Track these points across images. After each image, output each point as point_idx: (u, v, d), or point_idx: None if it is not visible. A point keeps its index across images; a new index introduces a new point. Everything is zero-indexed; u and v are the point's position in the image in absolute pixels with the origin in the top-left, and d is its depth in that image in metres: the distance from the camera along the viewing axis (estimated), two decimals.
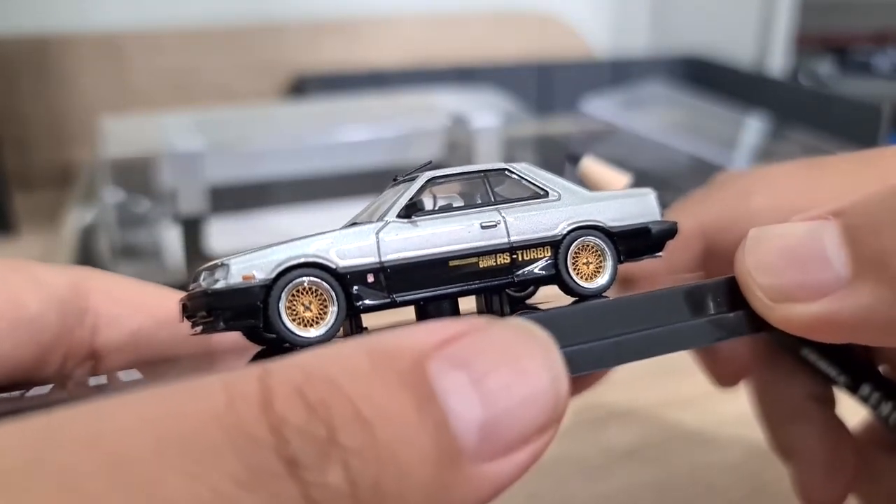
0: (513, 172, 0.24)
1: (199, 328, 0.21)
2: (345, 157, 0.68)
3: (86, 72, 0.85)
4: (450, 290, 0.22)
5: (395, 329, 0.16)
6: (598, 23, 1.14)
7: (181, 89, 0.88)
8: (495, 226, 0.22)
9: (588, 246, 0.23)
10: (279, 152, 0.67)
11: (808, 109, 0.86)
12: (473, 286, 0.22)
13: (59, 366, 0.24)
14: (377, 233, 0.22)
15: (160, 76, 0.88)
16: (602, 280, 0.23)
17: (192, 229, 0.62)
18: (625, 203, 0.24)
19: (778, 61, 1.04)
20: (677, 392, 0.45)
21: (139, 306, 0.26)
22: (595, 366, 0.19)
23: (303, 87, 0.90)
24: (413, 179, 0.23)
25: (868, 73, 1.12)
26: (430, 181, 0.23)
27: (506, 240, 0.22)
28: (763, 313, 0.21)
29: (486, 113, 0.70)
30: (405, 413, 0.14)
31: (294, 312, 0.20)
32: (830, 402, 0.32)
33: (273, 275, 0.20)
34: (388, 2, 0.99)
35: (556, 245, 0.23)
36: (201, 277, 0.21)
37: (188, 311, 0.21)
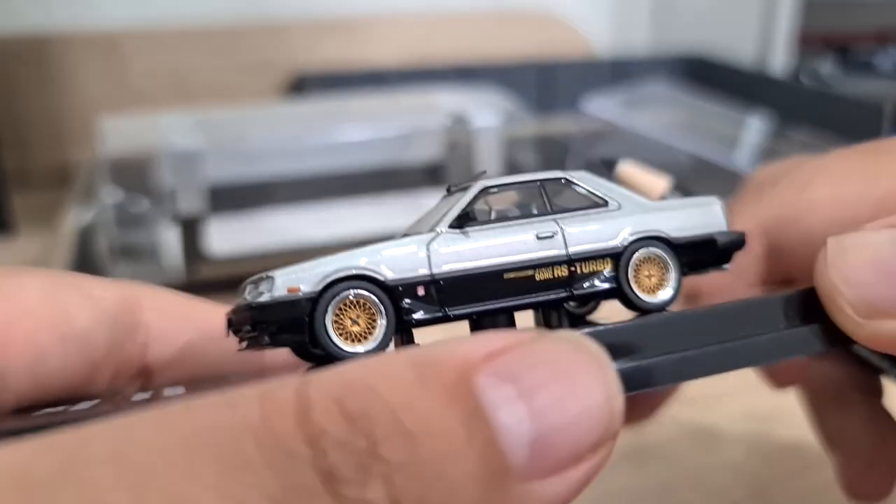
0: (571, 181, 0.23)
1: (244, 343, 0.21)
2: (345, 157, 0.68)
3: (84, 71, 0.85)
4: (505, 304, 0.21)
5: (440, 341, 0.15)
6: (598, 21, 1.13)
7: (180, 88, 0.88)
8: (552, 236, 0.22)
9: (651, 258, 0.22)
10: (279, 152, 0.67)
11: (809, 109, 0.85)
12: (530, 300, 0.21)
13: (109, 382, 0.24)
14: (428, 244, 0.21)
15: (159, 75, 0.88)
16: (665, 294, 0.22)
17: (191, 229, 0.62)
18: (689, 213, 0.23)
19: (780, 60, 1.03)
20: (680, 391, 0.45)
21: (189, 321, 0.25)
22: (653, 383, 0.19)
23: (302, 86, 0.90)
24: (466, 189, 0.23)
25: (870, 72, 1.12)
26: (484, 190, 0.22)
27: (563, 251, 0.22)
28: (850, 329, 0.20)
29: (486, 112, 0.70)
30: (451, 427, 0.14)
31: (341, 327, 0.20)
32: (878, 393, 0.31)
33: (319, 287, 0.20)
34: (389, 0, 0.99)
35: (616, 257, 0.22)
36: (246, 290, 0.20)
37: (234, 325, 0.21)
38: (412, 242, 0.21)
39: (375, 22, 0.97)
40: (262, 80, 0.91)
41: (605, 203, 0.23)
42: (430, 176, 0.71)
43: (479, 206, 0.22)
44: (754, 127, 0.79)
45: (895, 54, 1.14)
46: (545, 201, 0.23)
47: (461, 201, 0.22)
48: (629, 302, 0.22)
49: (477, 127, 0.69)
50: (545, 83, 0.98)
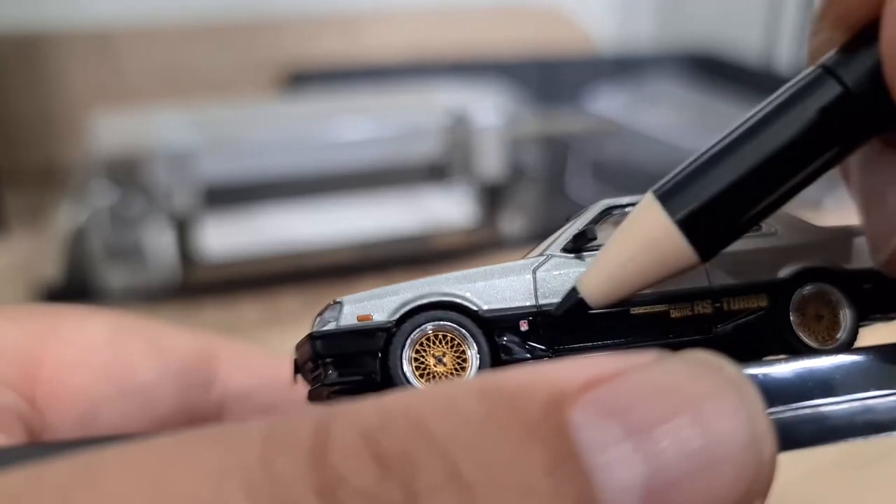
0: None
1: (310, 386, 0.17)
2: (343, 154, 0.67)
3: (77, 68, 0.84)
4: (629, 346, 0.17)
5: (524, 366, 0.12)
6: (602, 16, 1.12)
7: (174, 85, 0.87)
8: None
9: (820, 295, 0.18)
10: (275, 149, 0.66)
11: None
12: (660, 341, 0.17)
13: None
14: (535, 269, 0.17)
15: (152, 72, 0.87)
16: (838, 340, 0.18)
17: (186, 229, 0.61)
18: (862, 240, 0.19)
19: (786, 56, 1.02)
20: None
21: (269, 377, 0.23)
22: (817, 439, 0.15)
23: (299, 82, 0.89)
24: (584, 211, 0.19)
25: None
26: (608, 210, 0.19)
27: (706, 282, 0.18)
28: None
29: (487, 110, 0.69)
30: (530, 477, 0.10)
31: (423, 366, 0.16)
32: None
33: (396, 316, 0.16)
34: None
35: (775, 292, 0.18)
36: (315, 323, 0.17)
37: (299, 367, 0.18)
38: (515, 267, 0.18)
39: (374, 16, 0.96)
40: (257, 76, 0.90)
41: (759, 227, 0.19)
42: (430, 174, 0.69)
43: (602, 231, 0.19)
44: None
45: None
46: None
47: (579, 220, 0.19)
48: (792, 350, 0.18)
49: (478, 125, 0.68)
50: (547, 80, 0.97)
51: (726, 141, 0.16)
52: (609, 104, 0.85)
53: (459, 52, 0.97)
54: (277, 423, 0.11)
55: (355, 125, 0.68)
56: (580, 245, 0.18)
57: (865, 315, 0.18)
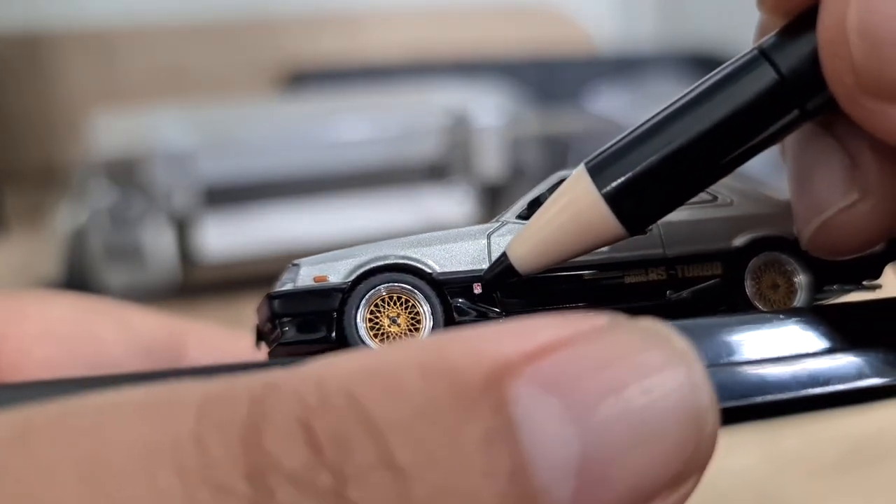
0: None
1: (270, 348, 0.17)
2: (343, 154, 0.67)
3: (77, 68, 0.84)
4: (583, 310, 0.17)
5: (471, 329, 0.11)
6: (602, 16, 1.12)
7: (174, 85, 0.87)
8: (647, 232, 0.17)
9: (775, 263, 0.18)
10: (275, 149, 0.66)
11: None
12: (615, 307, 0.17)
13: None
14: (489, 234, 0.18)
15: (152, 72, 0.87)
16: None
17: (185, 229, 0.61)
18: None
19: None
20: None
21: (235, 357, 0.22)
22: (757, 392, 0.14)
23: (299, 82, 0.88)
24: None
25: None
26: (563, 181, 0.18)
27: (660, 250, 0.18)
28: (844, 101, 0.15)
29: (487, 110, 0.69)
30: (464, 454, 0.10)
31: (377, 327, 0.17)
32: None
33: (351, 277, 0.17)
34: None
35: (729, 260, 0.18)
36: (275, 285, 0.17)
37: (260, 333, 0.18)
38: (470, 232, 0.18)
39: (374, 16, 0.96)
40: (257, 75, 0.90)
41: (714, 198, 0.19)
42: (430, 174, 0.69)
43: None
44: None
45: None
46: None
47: (533, 190, 0.19)
48: None
49: (478, 124, 0.68)
50: (547, 80, 0.97)
51: (658, 118, 0.16)
52: (609, 104, 0.84)
53: (459, 52, 0.97)
54: (213, 392, 0.11)
55: (355, 125, 0.68)
56: (534, 212, 0.18)
57: (821, 285, 0.18)
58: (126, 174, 0.61)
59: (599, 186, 0.16)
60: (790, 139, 0.17)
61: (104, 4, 0.88)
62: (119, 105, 0.83)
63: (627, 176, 0.16)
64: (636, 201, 0.16)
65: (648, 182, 0.16)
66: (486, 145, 0.68)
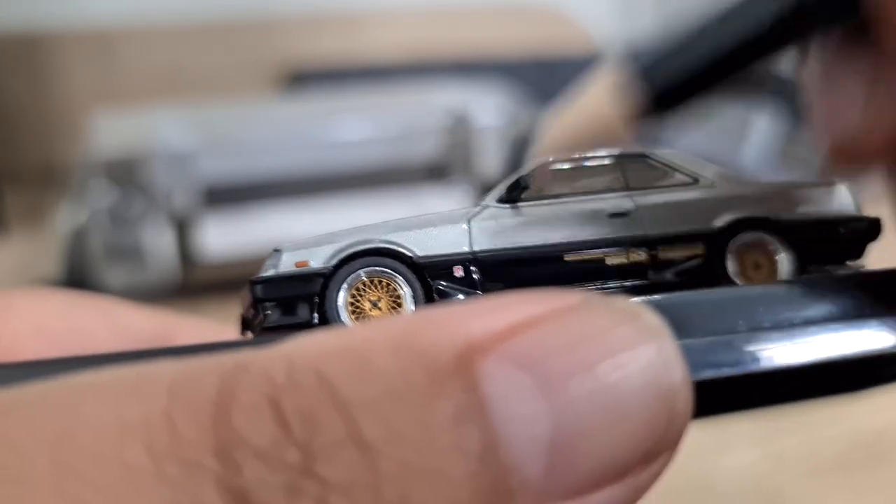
0: (654, 159, 0.19)
1: (255, 334, 0.18)
2: (342, 154, 0.67)
3: (76, 68, 0.84)
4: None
5: (442, 307, 0.11)
6: (602, 15, 1.12)
7: (174, 85, 0.87)
8: (628, 213, 0.18)
9: (757, 244, 0.18)
10: (275, 149, 0.66)
11: None
12: (596, 288, 0.17)
13: None
14: (470, 218, 0.18)
15: (152, 72, 0.87)
16: None
17: (185, 228, 0.61)
18: (805, 193, 0.19)
19: (790, 57, 1.02)
20: None
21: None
22: (732, 366, 0.14)
23: (299, 82, 0.89)
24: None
25: None
26: (544, 166, 0.19)
27: (641, 231, 0.18)
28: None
29: (487, 110, 0.69)
30: (433, 432, 0.10)
31: (358, 311, 0.17)
32: None
33: (333, 262, 0.17)
34: None
35: (711, 241, 0.18)
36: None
37: (245, 320, 0.18)
38: (451, 216, 0.18)
39: (374, 16, 0.96)
40: (257, 75, 0.90)
41: (695, 181, 0.19)
42: (430, 174, 0.69)
43: (537, 184, 0.19)
44: (763, 125, 0.77)
45: None
46: (621, 176, 0.19)
47: (514, 173, 0.19)
48: None
49: (478, 124, 0.68)
50: (547, 79, 0.97)
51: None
52: None
53: (459, 52, 0.97)
54: (184, 372, 0.11)
55: (355, 125, 0.68)
56: (514, 196, 0.18)
57: (805, 266, 0.18)
58: (126, 174, 0.61)
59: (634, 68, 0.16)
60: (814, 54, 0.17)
61: (104, 4, 0.88)
62: (119, 105, 0.83)
63: (662, 54, 0.16)
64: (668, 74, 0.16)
65: (682, 56, 0.16)
66: (486, 145, 0.68)
